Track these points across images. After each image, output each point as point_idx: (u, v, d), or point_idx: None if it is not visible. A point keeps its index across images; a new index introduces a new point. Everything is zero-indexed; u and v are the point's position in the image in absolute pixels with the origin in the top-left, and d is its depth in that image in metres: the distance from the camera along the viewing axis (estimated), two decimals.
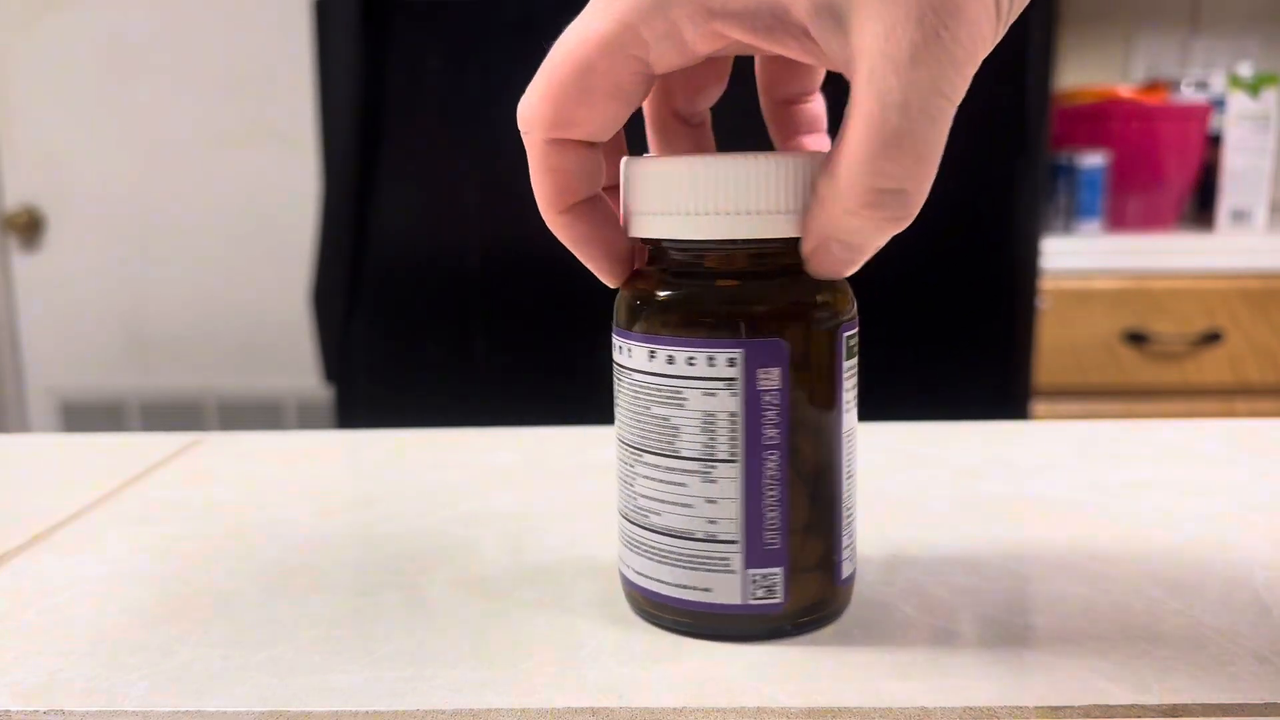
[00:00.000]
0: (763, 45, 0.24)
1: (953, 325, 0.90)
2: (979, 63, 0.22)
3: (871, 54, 0.22)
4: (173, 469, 0.46)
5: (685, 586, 0.27)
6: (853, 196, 0.23)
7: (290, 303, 1.54)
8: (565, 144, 0.25)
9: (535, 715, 0.24)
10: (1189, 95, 1.52)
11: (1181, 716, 0.24)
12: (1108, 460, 0.45)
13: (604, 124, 0.25)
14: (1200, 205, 1.54)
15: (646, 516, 0.28)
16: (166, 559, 0.35)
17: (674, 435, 0.26)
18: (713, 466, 0.26)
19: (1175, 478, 0.42)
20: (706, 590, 0.27)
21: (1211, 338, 1.31)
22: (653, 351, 0.26)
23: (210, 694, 0.25)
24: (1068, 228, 1.42)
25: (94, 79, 1.64)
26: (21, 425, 1.75)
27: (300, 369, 1.59)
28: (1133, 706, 0.24)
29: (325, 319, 0.93)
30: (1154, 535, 0.35)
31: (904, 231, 0.25)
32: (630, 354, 0.27)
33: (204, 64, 1.63)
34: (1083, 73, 1.66)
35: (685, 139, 0.30)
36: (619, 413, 0.28)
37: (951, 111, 0.22)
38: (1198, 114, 1.44)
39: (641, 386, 0.27)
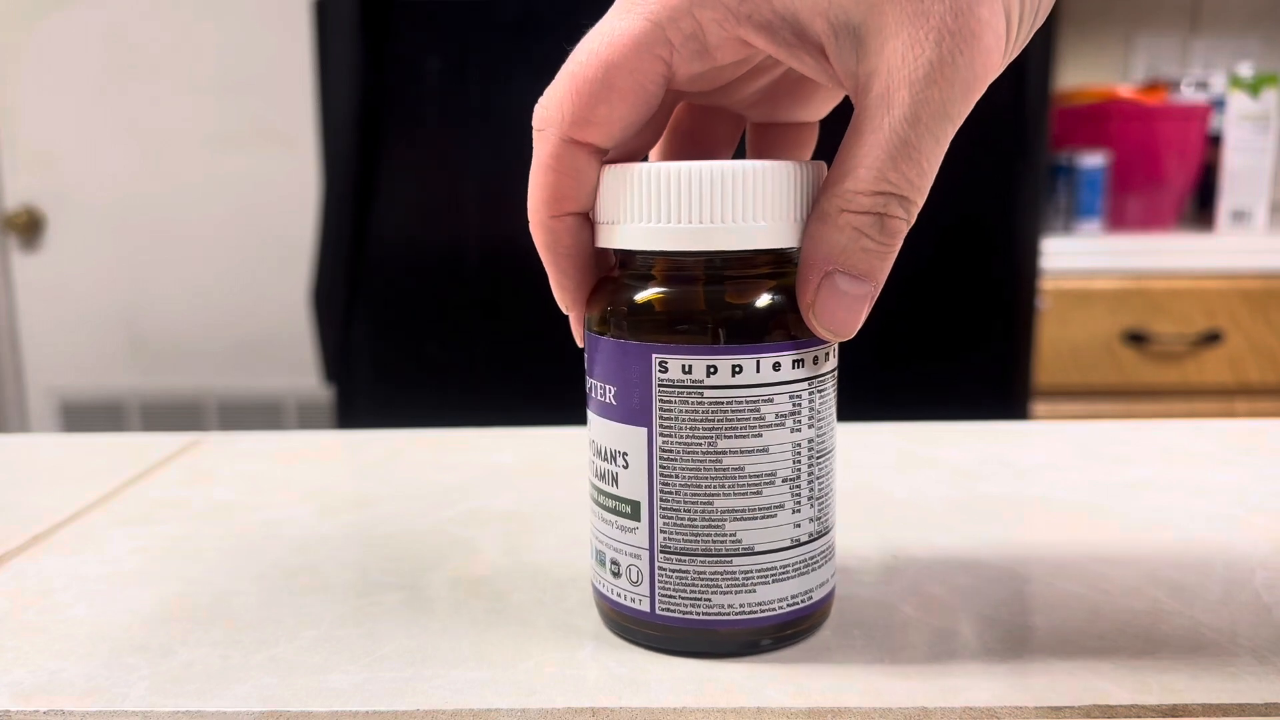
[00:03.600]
0: (780, 57, 0.24)
1: (953, 325, 0.90)
2: (981, 93, 0.23)
3: (889, 69, 0.23)
4: (173, 469, 0.46)
5: (825, 583, 0.27)
6: (857, 201, 0.24)
7: (290, 303, 1.54)
8: (578, 147, 0.25)
9: (535, 715, 0.24)
10: (1189, 95, 1.52)
11: (1181, 716, 0.24)
12: (1108, 460, 0.45)
13: (621, 126, 0.25)
14: (1200, 205, 1.54)
15: (827, 523, 0.27)
16: (166, 559, 0.35)
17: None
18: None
19: (1175, 478, 0.42)
20: (827, 582, 0.28)
21: (1211, 338, 1.31)
22: (825, 354, 0.27)
23: (210, 694, 0.25)
24: (1068, 228, 1.42)
25: (94, 79, 1.64)
26: (21, 425, 1.75)
27: (300, 369, 1.59)
28: (1133, 706, 0.24)
29: (325, 319, 0.93)
30: (1154, 535, 0.35)
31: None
32: (830, 355, 0.26)
33: (204, 64, 1.63)
34: (1083, 73, 1.66)
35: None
36: (820, 428, 0.26)
37: (952, 134, 0.23)
38: (1198, 114, 1.44)
39: (835, 380, 0.27)
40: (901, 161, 0.23)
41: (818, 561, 0.27)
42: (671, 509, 0.26)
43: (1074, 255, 1.32)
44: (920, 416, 0.51)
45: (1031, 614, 0.29)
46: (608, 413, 0.26)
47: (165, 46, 1.63)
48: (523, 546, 0.35)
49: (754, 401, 0.25)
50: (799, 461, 0.26)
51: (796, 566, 0.26)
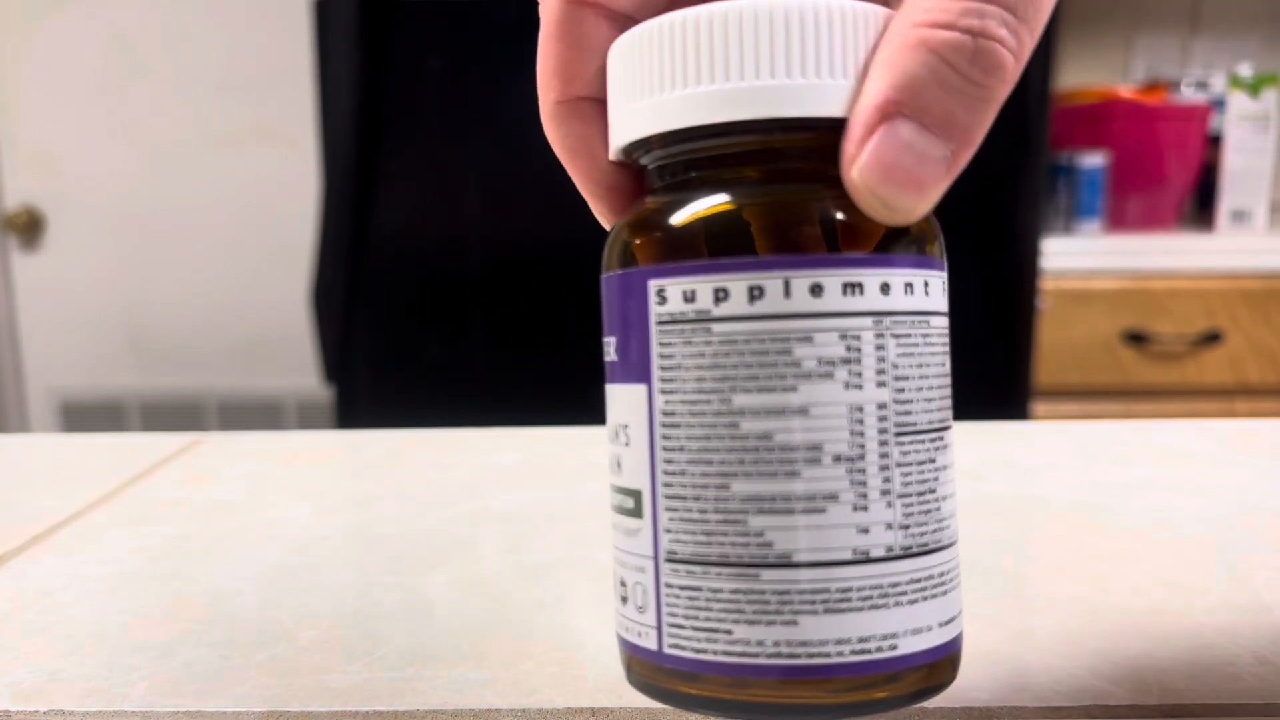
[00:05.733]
0: None
1: (952, 325, 0.90)
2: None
3: None
4: (173, 469, 0.46)
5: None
6: (942, 8, 0.17)
7: (290, 303, 1.54)
8: (585, 8, 0.20)
9: (535, 715, 0.24)
10: (1189, 95, 1.52)
11: (1181, 716, 0.23)
12: (1108, 460, 0.44)
13: None
14: (1200, 205, 1.55)
15: (949, 527, 0.19)
16: (166, 559, 0.35)
17: (949, 387, 0.20)
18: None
19: (1175, 478, 0.42)
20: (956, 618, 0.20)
21: (1211, 338, 1.31)
22: (944, 283, 0.20)
23: (210, 694, 0.25)
24: (1068, 228, 1.42)
25: (94, 79, 1.64)
26: (21, 425, 1.75)
27: (300, 369, 1.59)
28: (1133, 707, 0.24)
29: (325, 319, 0.93)
30: (1154, 535, 0.35)
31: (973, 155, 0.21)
32: (929, 288, 0.19)
33: (204, 64, 1.63)
34: (1083, 73, 1.66)
35: None
36: (905, 391, 0.19)
37: (1047, 11, 0.18)
38: (1198, 114, 1.44)
39: (941, 331, 0.20)
40: None
41: (905, 593, 0.18)
42: (677, 497, 0.19)
43: (1074, 255, 1.32)
44: None
45: (1031, 614, 0.29)
46: (612, 374, 0.20)
47: (165, 46, 1.63)
48: (523, 546, 0.35)
49: (783, 339, 0.18)
50: (863, 434, 0.18)
51: (865, 593, 0.18)
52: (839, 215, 0.18)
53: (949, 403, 0.20)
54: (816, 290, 0.18)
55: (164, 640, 0.28)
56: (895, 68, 0.17)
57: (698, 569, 0.19)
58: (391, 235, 0.92)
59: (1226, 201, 1.43)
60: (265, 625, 0.29)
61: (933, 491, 0.19)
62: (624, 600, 0.20)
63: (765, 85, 0.18)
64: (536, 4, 0.22)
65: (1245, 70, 1.43)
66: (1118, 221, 1.45)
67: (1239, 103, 1.41)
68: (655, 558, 0.19)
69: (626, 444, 0.20)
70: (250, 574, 0.33)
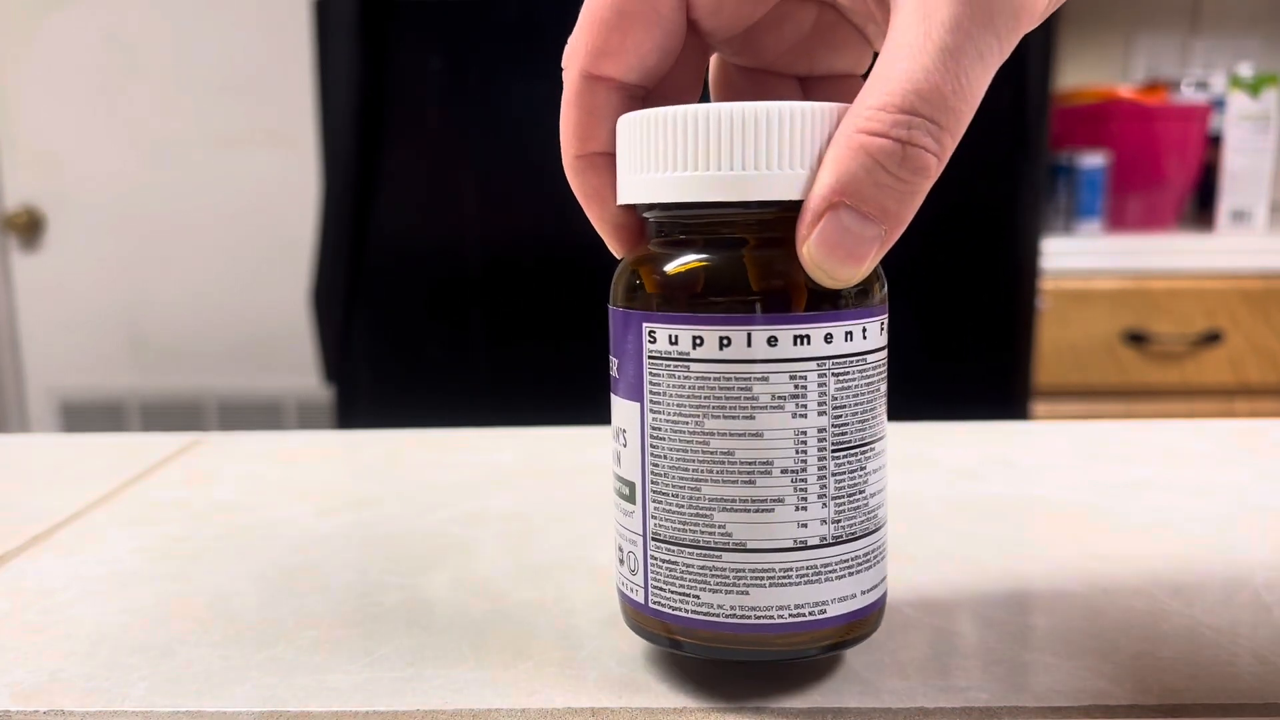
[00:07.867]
0: None
1: (953, 325, 0.90)
2: (1026, 28, 0.21)
3: None
4: (173, 469, 0.46)
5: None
6: (877, 119, 0.20)
7: (290, 303, 1.54)
8: (599, 81, 0.24)
9: (535, 715, 0.24)
10: (1189, 95, 1.52)
11: (1181, 716, 0.24)
12: (1108, 460, 0.45)
13: (638, 55, 0.24)
14: (1200, 205, 1.54)
15: (876, 516, 0.24)
16: (166, 559, 0.35)
17: (883, 405, 0.25)
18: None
19: (1175, 478, 0.42)
20: (879, 584, 0.25)
21: (1211, 338, 1.31)
22: (882, 324, 0.24)
23: (210, 694, 0.25)
24: (1068, 228, 1.42)
25: (94, 79, 1.64)
26: (21, 425, 1.75)
27: (300, 369, 1.59)
28: (1133, 707, 0.24)
29: (325, 319, 0.93)
30: (1154, 535, 0.35)
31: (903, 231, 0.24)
32: (866, 333, 0.23)
33: (204, 64, 1.63)
34: (1083, 73, 1.66)
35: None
36: (841, 417, 0.23)
37: (997, 58, 0.21)
38: (1198, 114, 1.44)
39: (876, 365, 0.24)
40: (937, 75, 0.20)
41: (834, 571, 0.24)
42: (661, 492, 0.24)
43: (1074, 255, 1.32)
44: (920, 416, 0.51)
45: (1031, 614, 0.29)
46: (615, 387, 0.25)
47: (165, 47, 1.63)
48: (523, 546, 0.35)
49: (745, 379, 0.23)
50: (805, 452, 0.23)
51: (801, 572, 0.23)
52: (794, 279, 0.23)
53: (882, 418, 0.24)
54: (772, 341, 0.23)
55: (164, 640, 0.28)
56: (839, 166, 0.21)
57: (675, 548, 0.24)
58: (391, 235, 0.92)
59: (1226, 201, 1.43)
60: (265, 625, 0.29)
61: (861, 492, 0.24)
62: (621, 563, 0.26)
63: (739, 174, 0.22)
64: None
65: (1245, 70, 1.43)
66: (1118, 221, 1.45)
67: (1239, 103, 1.41)
68: (644, 535, 0.25)
69: (624, 445, 0.25)
70: (250, 574, 0.33)
